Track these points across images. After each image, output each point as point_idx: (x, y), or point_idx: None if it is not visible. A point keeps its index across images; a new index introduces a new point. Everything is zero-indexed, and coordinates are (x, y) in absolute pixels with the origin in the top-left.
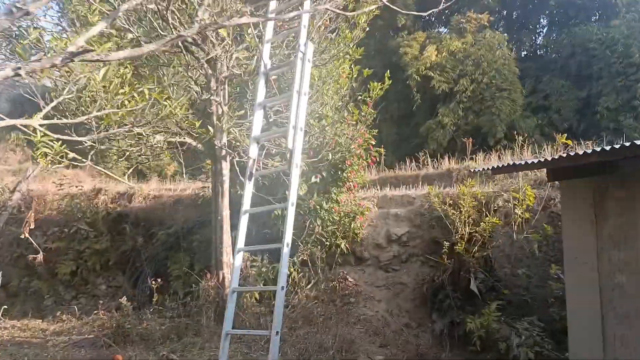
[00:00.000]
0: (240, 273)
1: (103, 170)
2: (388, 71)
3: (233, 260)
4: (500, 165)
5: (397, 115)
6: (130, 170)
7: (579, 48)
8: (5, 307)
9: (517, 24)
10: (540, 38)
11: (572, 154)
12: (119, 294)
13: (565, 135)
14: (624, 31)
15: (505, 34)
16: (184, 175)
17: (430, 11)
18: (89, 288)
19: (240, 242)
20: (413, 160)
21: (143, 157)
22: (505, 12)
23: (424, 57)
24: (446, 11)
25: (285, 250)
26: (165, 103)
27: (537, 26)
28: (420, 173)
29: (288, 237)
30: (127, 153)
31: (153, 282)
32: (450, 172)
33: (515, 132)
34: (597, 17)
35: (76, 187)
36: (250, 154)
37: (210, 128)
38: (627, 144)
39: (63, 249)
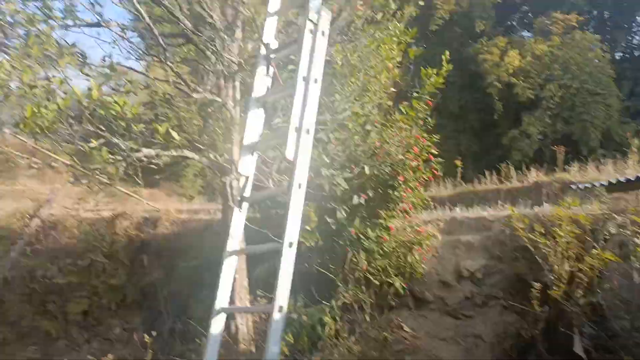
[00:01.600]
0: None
1: (121, 189)
2: (447, 52)
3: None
4: (625, 180)
5: (478, 126)
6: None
7: None
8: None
9: (610, 24)
10: (637, 37)
11: None
12: (134, 337)
13: None
14: None
15: (597, 35)
16: None
17: None
18: (102, 330)
19: (222, 298)
20: (494, 173)
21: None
22: (595, 12)
23: (505, 63)
24: (528, 14)
25: (276, 317)
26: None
27: (633, 25)
28: (502, 187)
29: (282, 299)
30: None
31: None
32: (539, 185)
33: (612, 140)
34: None
35: (92, 211)
36: (241, 170)
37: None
38: None
39: (76, 284)
